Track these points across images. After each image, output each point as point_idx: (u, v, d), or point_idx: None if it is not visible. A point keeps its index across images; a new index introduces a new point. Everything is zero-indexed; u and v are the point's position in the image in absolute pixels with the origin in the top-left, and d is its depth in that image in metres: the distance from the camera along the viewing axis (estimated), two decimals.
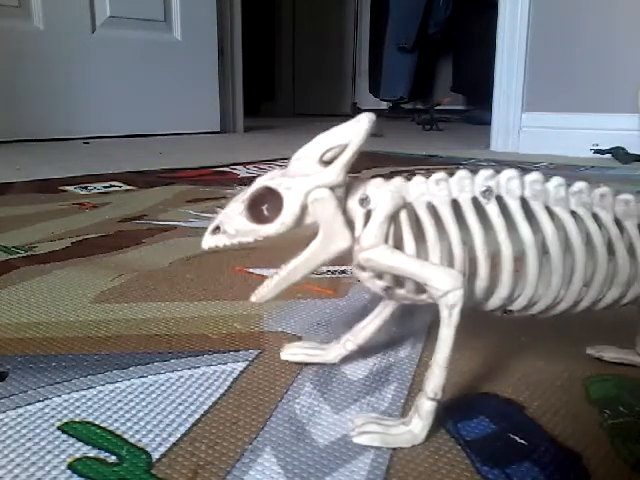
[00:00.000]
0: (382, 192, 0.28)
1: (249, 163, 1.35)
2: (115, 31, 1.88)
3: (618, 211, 0.30)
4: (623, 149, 1.48)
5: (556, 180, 0.29)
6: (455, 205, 0.29)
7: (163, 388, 0.32)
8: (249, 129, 2.35)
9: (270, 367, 0.35)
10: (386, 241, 0.28)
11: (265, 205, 0.28)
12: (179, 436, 0.28)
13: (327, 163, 0.27)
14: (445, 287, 0.27)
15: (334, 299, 0.47)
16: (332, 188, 0.27)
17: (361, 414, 0.29)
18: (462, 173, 0.29)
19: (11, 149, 1.55)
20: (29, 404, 0.30)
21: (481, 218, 0.29)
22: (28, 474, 0.25)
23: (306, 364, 0.35)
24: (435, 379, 0.27)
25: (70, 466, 0.25)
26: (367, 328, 0.34)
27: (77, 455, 0.26)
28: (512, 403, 0.31)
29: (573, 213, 0.29)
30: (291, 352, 0.35)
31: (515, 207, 0.29)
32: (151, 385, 0.33)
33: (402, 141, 2.08)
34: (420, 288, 0.29)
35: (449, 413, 0.30)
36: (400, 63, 3.19)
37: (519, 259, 0.29)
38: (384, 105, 3.52)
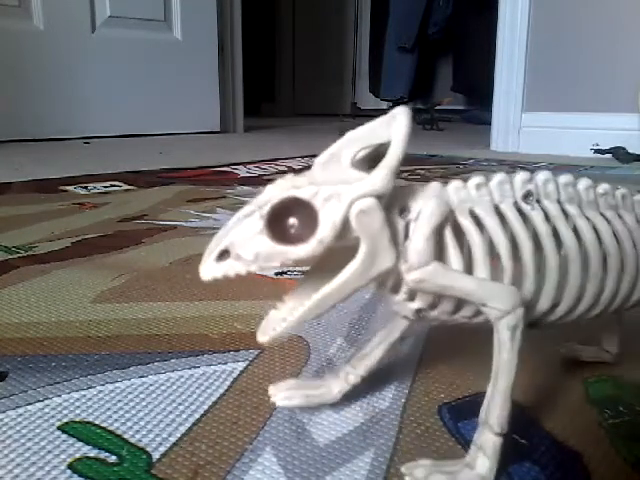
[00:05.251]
0: (424, 200, 0.25)
1: (249, 163, 1.35)
2: (115, 31, 1.88)
3: (638, 212, 0.30)
4: (623, 149, 1.48)
5: (585, 182, 0.28)
6: (498, 212, 0.26)
7: (163, 388, 0.32)
8: (249, 129, 2.35)
9: (270, 367, 0.35)
10: (435, 256, 0.24)
11: (291, 220, 0.23)
12: (179, 436, 0.28)
13: (363, 167, 0.23)
14: (506, 307, 0.24)
15: None
16: (378, 197, 0.23)
17: (417, 464, 0.25)
18: (501, 176, 0.26)
19: (11, 149, 1.55)
20: (29, 404, 0.30)
21: (526, 226, 0.26)
22: (28, 474, 0.25)
23: (306, 363, 0.35)
24: (499, 411, 0.25)
25: (70, 466, 0.25)
26: (370, 357, 0.31)
27: (77, 455, 0.26)
28: (512, 403, 0.31)
29: (603, 216, 0.28)
30: (286, 395, 0.30)
31: (556, 212, 0.27)
32: (151, 385, 0.33)
33: None
34: (456, 308, 0.26)
35: (449, 413, 0.30)
36: (400, 63, 3.19)
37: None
38: (384, 105, 3.51)
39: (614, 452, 0.27)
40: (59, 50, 1.77)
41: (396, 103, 3.41)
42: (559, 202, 0.27)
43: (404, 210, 0.25)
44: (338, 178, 0.23)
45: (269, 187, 0.23)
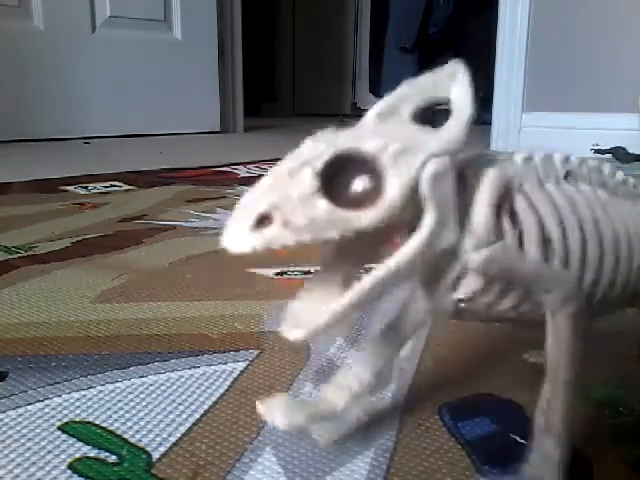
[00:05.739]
0: (484, 170, 0.21)
1: (249, 163, 1.35)
2: (115, 31, 1.88)
3: None
4: (623, 149, 1.48)
5: (608, 167, 0.26)
6: (547, 191, 0.23)
7: (163, 388, 0.32)
8: (249, 129, 2.35)
9: (270, 367, 0.35)
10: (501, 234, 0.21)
11: (351, 180, 0.18)
12: (179, 436, 0.28)
13: (424, 124, 0.20)
14: (569, 294, 0.22)
15: None
16: (451, 158, 0.19)
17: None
18: (543, 153, 0.24)
19: (11, 149, 1.55)
20: (29, 404, 0.30)
21: (572, 205, 0.24)
22: (28, 474, 0.25)
23: (306, 363, 0.35)
24: (564, 412, 0.22)
25: (70, 466, 0.25)
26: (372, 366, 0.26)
27: (77, 455, 0.26)
28: (512, 403, 0.31)
29: (624, 202, 0.27)
30: (286, 416, 0.24)
31: (593, 197, 0.25)
32: (151, 385, 0.33)
33: None
34: (498, 300, 0.22)
35: (449, 412, 0.30)
36: (400, 63, 3.19)
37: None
38: None
39: (614, 452, 0.27)
40: (59, 50, 1.77)
41: None
42: (591, 185, 0.25)
43: (465, 178, 0.21)
44: (403, 133, 0.19)
45: (311, 141, 0.19)
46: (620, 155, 1.48)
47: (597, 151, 1.52)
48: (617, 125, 1.54)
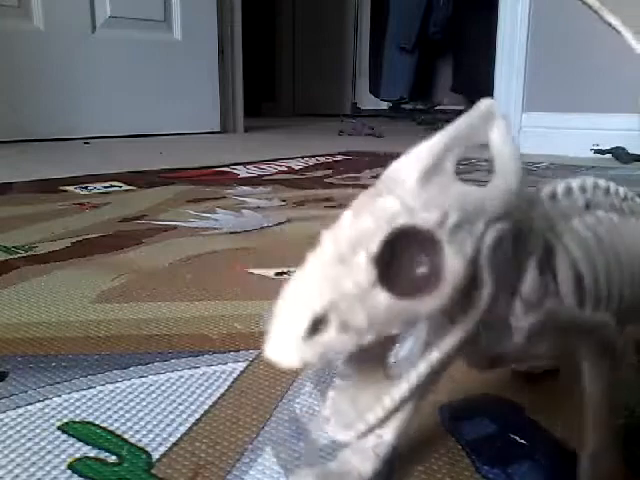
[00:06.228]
0: (538, 227, 0.20)
1: (249, 163, 1.35)
2: (115, 31, 1.88)
3: None
4: (623, 149, 1.48)
5: (613, 185, 0.25)
6: (572, 228, 0.22)
7: (163, 388, 0.32)
8: (249, 129, 2.35)
9: (270, 367, 0.35)
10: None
11: (409, 261, 0.16)
12: (179, 436, 0.28)
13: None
14: (610, 338, 0.21)
15: None
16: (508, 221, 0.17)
17: None
18: (565, 185, 0.23)
19: (11, 149, 1.55)
20: (29, 404, 0.30)
21: (598, 241, 0.23)
22: (28, 474, 0.25)
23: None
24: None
25: (70, 466, 0.25)
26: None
27: (77, 455, 0.26)
28: (512, 403, 0.31)
29: (630, 221, 0.26)
30: None
31: (610, 225, 0.24)
32: (151, 385, 0.33)
33: (402, 141, 2.08)
34: (532, 346, 0.20)
35: (449, 413, 0.30)
36: (400, 63, 3.19)
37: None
38: (384, 105, 3.52)
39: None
40: (59, 50, 1.77)
41: (396, 103, 3.41)
42: (606, 212, 0.24)
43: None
44: (454, 195, 0.16)
45: (352, 214, 0.16)
46: (620, 155, 1.48)
47: (597, 151, 1.52)
48: (617, 125, 1.54)
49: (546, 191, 0.22)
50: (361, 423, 0.17)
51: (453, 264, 0.16)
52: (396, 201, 0.16)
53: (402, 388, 0.17)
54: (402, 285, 0.16)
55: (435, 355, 0.17)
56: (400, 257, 0.16)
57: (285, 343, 0.15)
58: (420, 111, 2.97)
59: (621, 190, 0.26)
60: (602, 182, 0.25)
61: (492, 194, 0.17)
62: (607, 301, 0.22)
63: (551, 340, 0.20)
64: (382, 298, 0.15)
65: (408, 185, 0.16)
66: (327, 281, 0.15)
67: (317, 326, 0.15)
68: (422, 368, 0.17)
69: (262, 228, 0.71)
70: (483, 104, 0.18)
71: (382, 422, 0.17)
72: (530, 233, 0.19)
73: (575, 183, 0.23)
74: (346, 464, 0.23)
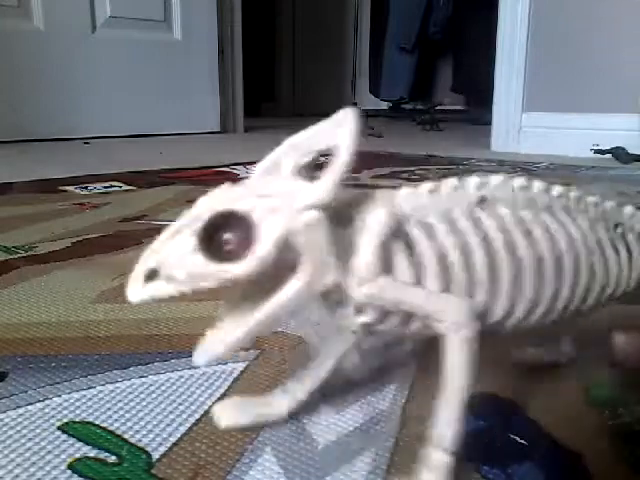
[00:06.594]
0: (372, 210, 0.23)
1: (249, 163, 1.35)
2: (115, 31, 1.88)
3: (591, 215, 0.29)
4: (623, 149, 1.48)
5: (539, 184, 0.27)
6: (451, 220, 0.25)
7: (163, 388, 0.32)
8: (249, 129, 2.35)
9: (270, 367, 0.35)
10: (386, 269, 0.23)
11: (227, 236, 0.21)
12: (179, 436, 0.28)
13: (303, 175, 0.22)
14: (459, 319, 0.23)
15: None
16: (324, 209, 0.21)
17: None
18: (453, 182, 0.25)
19: (11, 149, 1.55)
20: (29, 404, 0.30)
21: (479, 232, 0.25)
22: (28, 474, 0.25)
23: (306, 364, 0.35)
24: (454, 429, 0.23)
25: (70, 466, 0.25)
26: (317, 371, 0.29)
27: (77, 455, 0.26)
28: (512, 403, 0.31)
29: (558, 221, 0.28)
30: (231, 417, 0.28)
31: (509, 218, 0.26)
32: (151, 385, 0.33)
33: (402, 141, 2.08)
34: (405, 321, 0.24)
35: None
36: (400, 63, 3.19)
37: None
38: (384, 105, 3.52)
39: (614, 453, 0.27)
40: (59, 50, 1.77)
41: (396, 103, 3.41)
42: (513, 207, 0.26)
43: (351, 220, 0.23)
44: (279, 188, 0.21)
45: (202, 199, 0.22)
46: (620, 155, 1.48)
47: (597, 151, 1.53)
48: (617, 125, 1.54)
49: (428, 186, 0.25)
50: (208, 353, 0.22)
51: (264, 239, 0.20)
52: (236, 190, 0.22)
53: (239, 331, 0.22)
54: (224, 253, 0.21)
55: (268, 308, 0.22)
56: (226, 233, 0.21)
57: (131, 287, 0.21)
58: (420, 111, 2.96)
59: (559, 188, 0.28)
60: (521, 180, 0.27)
61: (311, 189, 0.21)
62: (490, 296, 0.25)
63: (399, 316, 0.24)
64: (198, 261, 0.20)
65: (250, 179, 0.22)
66: (163, 245, 0.21)
67: (151, 277, 0.21)
68: (257, 317, 0.21)
69: None
70: (341, 111, 0.22)
71: (222, 355, 0.22)
72: (356, 220, 0.23)
73: (477, 179, 0.26)
74: (272, 399, 0.29)
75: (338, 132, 0.21)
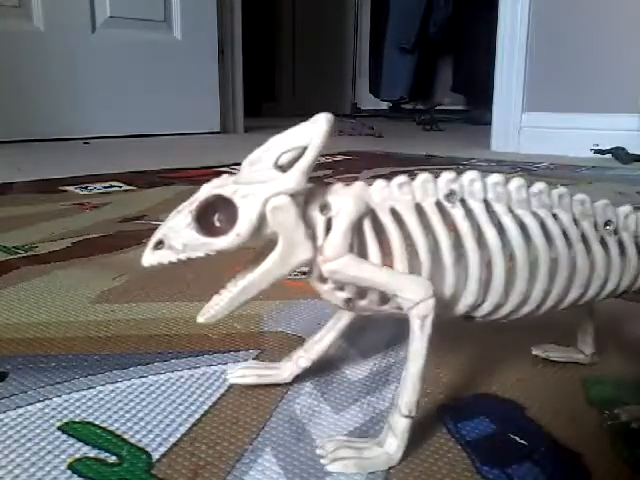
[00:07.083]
0: (344, 198, 0.27)
1: None
2: (115, 31, 1.88)
3: (576, 211, 0.30)
4: (623, 149, 1.48)
5: (517, 181, 0.29)
6: (419, 210, 0.28)
7: (163, 388, 0.32)
8: (249, 129, 2.35)
9: None
10: (351, 250, 0.26)
11: (216, 215, 0.26)
12: (179, 436, 0.28)
13: (284, 168, 0.25)
14: (416, 297, 0.25)
15: None
16: (292, 195, 0.25)
17: (330, 439, 0.27)
18: (425, 176, 0.28)
19: (11, 149, 1.55)
20: (29, 404, 0.30)
21: (446, 222, 0.28)
22: (28, 474, 0.25)
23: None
24: (409, 395, 0.26)
25: (70, 466, 0.25)
26: (321, 342, 0.32)
27: (77, 455, 0.26)
28: (512, 403, 0.31)
29: (534, 214, 0.29)
30: (239, 374, 0.33)
31: (479, 210, 0.28)
32: (151, 385, 0.33)
33: (402, 141, 2.08)
34: (384, 299, 0.28)
35: (449, 413, 0.30)
36: (400, 63, 3.19)
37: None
38: (384, 105, 3.52)
39: (614, 453, 0.27)
40: (59, 50, 1.77)
41: (396, 103, 3.41)
42: (485, 201, 0.28)
43: (325, 207, 0.27)
44: (258, 178, 0.25)
45: (204, 185, 0.26)
46: (620, 155, 1.48)
47: (597, 151, 1.53)
48: (617, 125, 1.54)
49: (397, 180, 0.27)
50: (206, 314, 0.29)
51: (241, 219, 0.25)
52: (228, 179, 0.26)
53: (228, 297, 0.28)
54: (212, 229, 0.26)
55: (249, 277, 0.27)
56: (214, 212, 0.26)
57: (144, 253, 0.26)
58: (420, 111, 2.97)
59: (540, 185, 0.29)
60: (495, 177, 0.28)
61: (280, 179, 0.25)
62: (456, 279, 0.27)
63: (377, 294, 0.27)
64: (191, 234, 0.26)
65: (241, 169, 0.26)
66: (169, 221, 0.26)
67: (158, 245, 0.26)
68: (240, 285, 0.27)
69: None
70: (319, 115, 0.25)
71: (216, 316, 0.29)
72: (332, 206, 0.26)
73: (450, 175, 0.28)
74: (278, 364, 0.33)
75: (311, 132, 0.25)
